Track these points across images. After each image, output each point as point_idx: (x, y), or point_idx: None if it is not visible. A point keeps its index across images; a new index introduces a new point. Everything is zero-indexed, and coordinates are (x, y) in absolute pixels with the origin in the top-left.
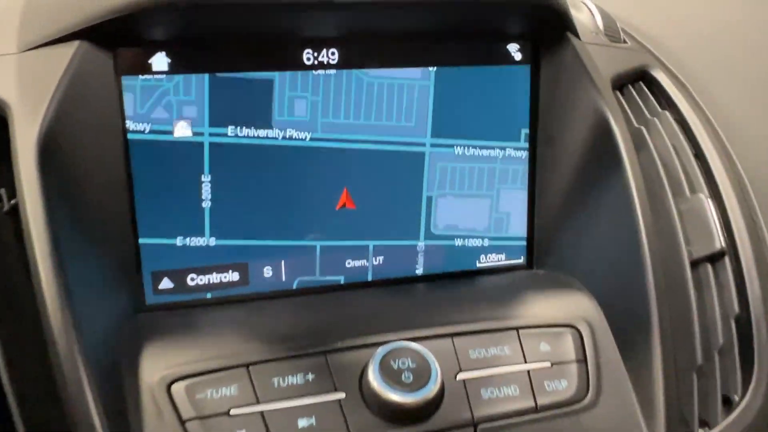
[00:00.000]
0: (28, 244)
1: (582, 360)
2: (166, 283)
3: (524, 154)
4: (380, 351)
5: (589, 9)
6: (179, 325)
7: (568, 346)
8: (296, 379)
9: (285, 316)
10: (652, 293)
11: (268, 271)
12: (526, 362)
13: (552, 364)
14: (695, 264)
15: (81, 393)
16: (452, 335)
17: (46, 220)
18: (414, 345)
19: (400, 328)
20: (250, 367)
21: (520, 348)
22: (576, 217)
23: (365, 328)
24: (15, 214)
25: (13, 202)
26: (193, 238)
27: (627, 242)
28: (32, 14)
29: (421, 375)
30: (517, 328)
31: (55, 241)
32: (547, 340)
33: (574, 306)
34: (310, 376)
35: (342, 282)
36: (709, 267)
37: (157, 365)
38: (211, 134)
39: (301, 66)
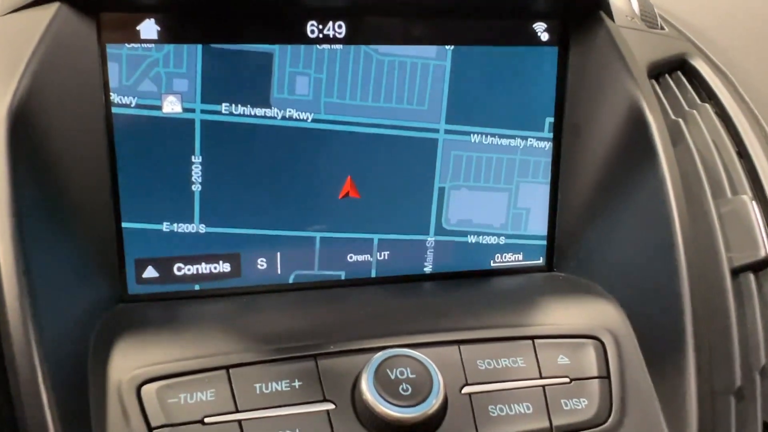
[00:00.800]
0: None
1: (605, 376)
2: (150, 272)
3: (547, 145)
4: (376, 358)
5: None
6: (160, 319)
7: (589, 360)
8: (281, 386)
9: (277, 314)
10: (687, 304)
11: (262, 263)
12: (541, 377)
13: (571, 380)
14: (736, 272)
15: (35, 391)
16: (459, 342)
17: (11, 201)
18: (414, 352)
19: (400, 333)
20: (231, 370)
21: (535, 360)
22: (603, 215)
23: (362, 331)
24: None
25: None
26: (181, 225)
27: (660, 246)
28: None
29: (422, 387)
30: (532, 338)
31: (19, 225)
32: (566, 352)
33: (598, 314)
34: (297, 383)
35: (342, 278)
36: (751, 276)
37: (128, 363)
38: (203, 111)
39: (304, 39)
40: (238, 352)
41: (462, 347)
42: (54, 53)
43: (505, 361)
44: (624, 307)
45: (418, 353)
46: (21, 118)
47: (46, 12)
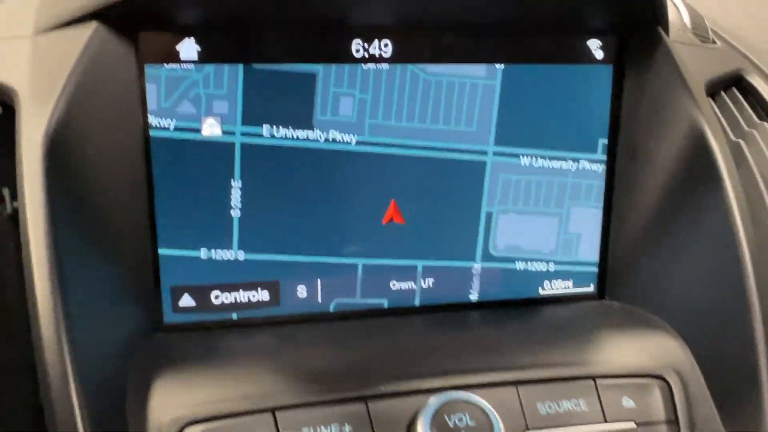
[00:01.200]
0: (25, 253)
1: (673, 420)
2: (187, 300)
3: (601, 168)
4: (433, 402)
5: (674, 3)
6: (198, 352)
7: (656, 402)
8: (330, 430)
9: (320, 347)
10: (761, 339)
11: (302, 291)
12: (606, 420)
13: (637, 425)
14: None
15: (72, 429)
16: (517, 383)
17: (47, 229)
18: (474, 396)
19: (454, 371)
20: (277, 413)
21: (598, 402)
22: (662, 242)
23: (413, 369)
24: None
25: (15, 204)
26: (219, 251)
27: (727, 275)
28: None
29: None
30: (594, 377)
31: (56, 252)
32: (630, 393)
33: (660, 350)
34: (348, 428)
35: (385, 306)
36: None
37: (170, 401)
38: (243, 134)
39: (349, 58)
40: (282, 392)
41: (520, 388)
42: (91, 74)
43: (566, 403)
44: (687, 342)
45: (477, 397)
46: (57, 143)
47: (84, 31)
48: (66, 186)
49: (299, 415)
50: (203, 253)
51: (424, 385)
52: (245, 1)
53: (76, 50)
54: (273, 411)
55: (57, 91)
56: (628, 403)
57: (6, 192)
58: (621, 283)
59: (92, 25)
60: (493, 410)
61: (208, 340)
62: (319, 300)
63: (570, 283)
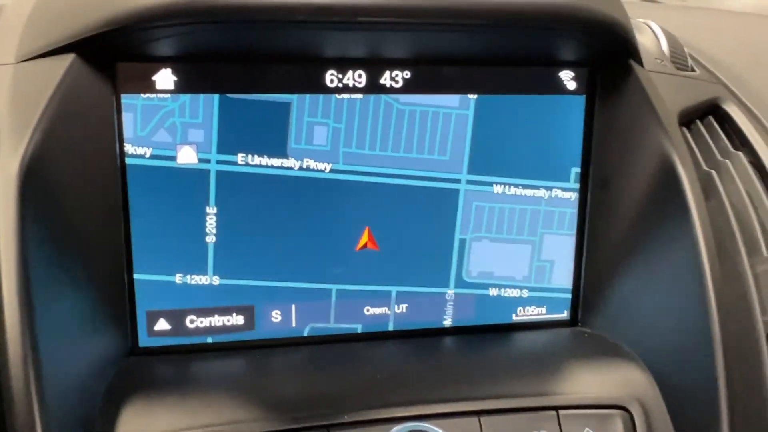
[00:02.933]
0: None
1: None
2: (162, 324)
3: (573, 196)
4: None
5: (653, 31)
6: (172, 376)
7: None
8: None
9: (290, 373)
10: (721, 371)
11: (276, 316)
12: None
13: None
14: None
15: None
16: (479, 413)
17: (18, 257)
18: (432, 427)
19: (417, 402)
20: None
21: None
22: (631, 271)
23: (378, 398)
24: None
25: None
26: (194, 276)
27: (692, 307)
28: (36, 21)
29: None
30: (557, 408)
31: (26, 281)
32: (592, 424)
33: (625, 380)
34: None
35: (359, 331)
36: None
37: (139, 427)
38: (218, 161)
39: (323, 89)
40: (248, 421)
41: (483, 419)
42: (68, 104)
43: None
44: (652, 371)
45: (435, 428)
46: (32, 173)
47: (62, 62)
48: (40, 215)
49: None
50: (179, 278)
51: (388, 414)
52: (220, 34)
53: (54, 81)
54: None
55: (33, 121)
56: None
57: None
58: (593, 311)
59: (70, 57)
60: None
61: (182, 364)
62: (294, 324)
63: (543, 310)
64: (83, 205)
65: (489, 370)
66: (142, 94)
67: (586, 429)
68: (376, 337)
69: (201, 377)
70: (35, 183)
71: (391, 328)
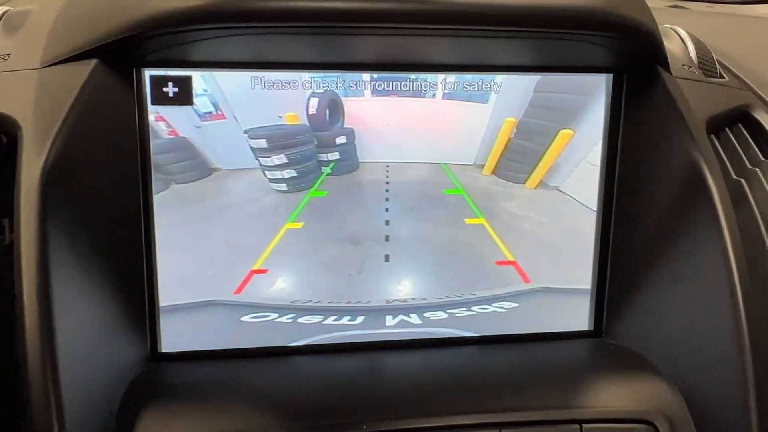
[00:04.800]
0: (17, 286)
1: None
2: None
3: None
4: None
5: (680, 37)
6: (193, 382)
7: None
8: None
9: (313, 379)
10: (752, 386)
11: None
12: None
13: None
14: None
15: None
16: (500, 425)
17: (39, 259)
18: None
19: (440, 412)
20: None
21: None
22: (657, 281)
23: (400, 408)
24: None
25: (13, 236)
26: None
27: (720, 318)
28: (60, 26)
29: None
30: (580, 421)
31: (47, 285)
32: None
33: (650, 393)
34: None
35: (382, 340)
36: None
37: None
38: None
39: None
40: (268, 427)
41: (504, 431)
42: (90, 109)
43: None
44: (678, 384)
45: None
46: (54, 178)
47: (84, 67)
48: (62, 219)
49: None
50: None
51: (407, 425)
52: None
53: (77, 85)
54: None
55: (56, 125)
56: None
57: (6, 223)
58: (617, 321)
59: (92, 62)
60: None
61: (202, 370)
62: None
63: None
64: (106, 209)
65: (511, 381)
66: (162, 101)
67: None
68: (401, 346)
69: (219, 384)
70: (57, 188)
71: (413, 337)
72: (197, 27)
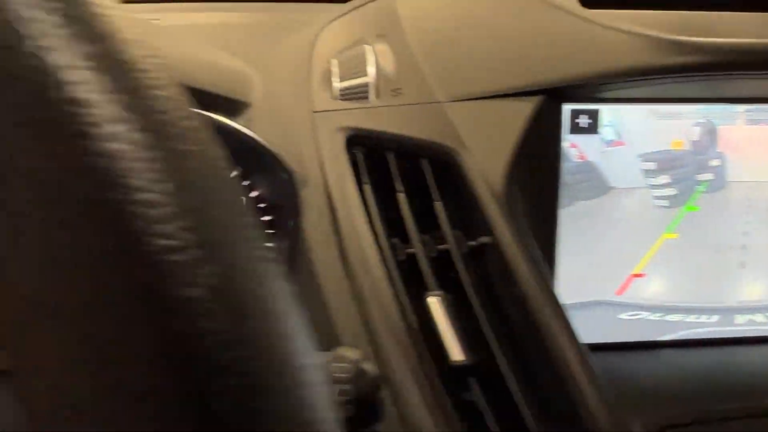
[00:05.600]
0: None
1: None
2: None
3: None
4: None
5: None
6: None
7: None
8: None
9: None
10: None
11: None
12: None
13: None
14: None
15: None
16: None
17: (527, 258)
18: None
19: None
20: None
21: None
22: None
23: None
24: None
25: (480, 240)
26: None
27: None
28: (491, 65)
29: None
30: None
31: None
32: None
33: None
34: None
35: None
36: None
37: None
38: None
39: None
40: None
41: None
42: (528, 137)
43: None
44: None
45: None
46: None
47: (528, 103)
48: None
49: None
50: None
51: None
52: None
53: (522, 117)
54: None
55: (508, 149)
56: None
57: (452, 233)
58: None
59: (537, 98)
60: None
61: None
62: None
63: None
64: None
65: None
66: (576, 130)
67: None
68: (747, 342)
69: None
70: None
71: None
72: (651, 77)
